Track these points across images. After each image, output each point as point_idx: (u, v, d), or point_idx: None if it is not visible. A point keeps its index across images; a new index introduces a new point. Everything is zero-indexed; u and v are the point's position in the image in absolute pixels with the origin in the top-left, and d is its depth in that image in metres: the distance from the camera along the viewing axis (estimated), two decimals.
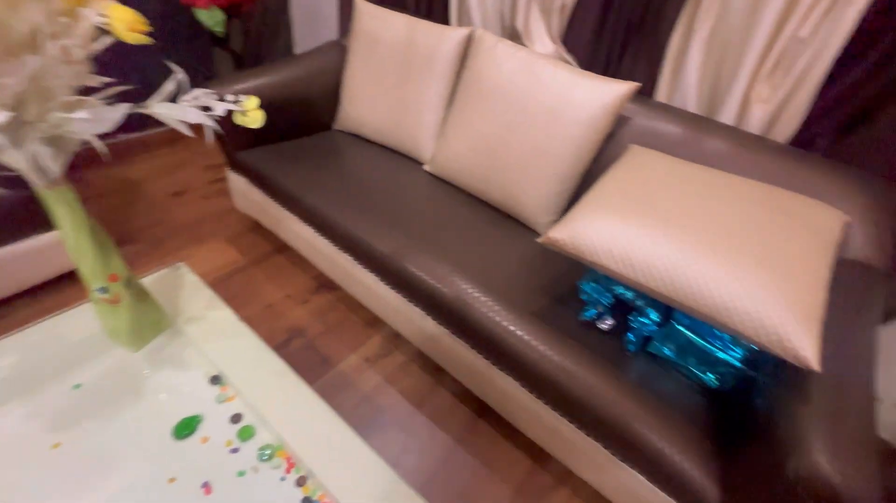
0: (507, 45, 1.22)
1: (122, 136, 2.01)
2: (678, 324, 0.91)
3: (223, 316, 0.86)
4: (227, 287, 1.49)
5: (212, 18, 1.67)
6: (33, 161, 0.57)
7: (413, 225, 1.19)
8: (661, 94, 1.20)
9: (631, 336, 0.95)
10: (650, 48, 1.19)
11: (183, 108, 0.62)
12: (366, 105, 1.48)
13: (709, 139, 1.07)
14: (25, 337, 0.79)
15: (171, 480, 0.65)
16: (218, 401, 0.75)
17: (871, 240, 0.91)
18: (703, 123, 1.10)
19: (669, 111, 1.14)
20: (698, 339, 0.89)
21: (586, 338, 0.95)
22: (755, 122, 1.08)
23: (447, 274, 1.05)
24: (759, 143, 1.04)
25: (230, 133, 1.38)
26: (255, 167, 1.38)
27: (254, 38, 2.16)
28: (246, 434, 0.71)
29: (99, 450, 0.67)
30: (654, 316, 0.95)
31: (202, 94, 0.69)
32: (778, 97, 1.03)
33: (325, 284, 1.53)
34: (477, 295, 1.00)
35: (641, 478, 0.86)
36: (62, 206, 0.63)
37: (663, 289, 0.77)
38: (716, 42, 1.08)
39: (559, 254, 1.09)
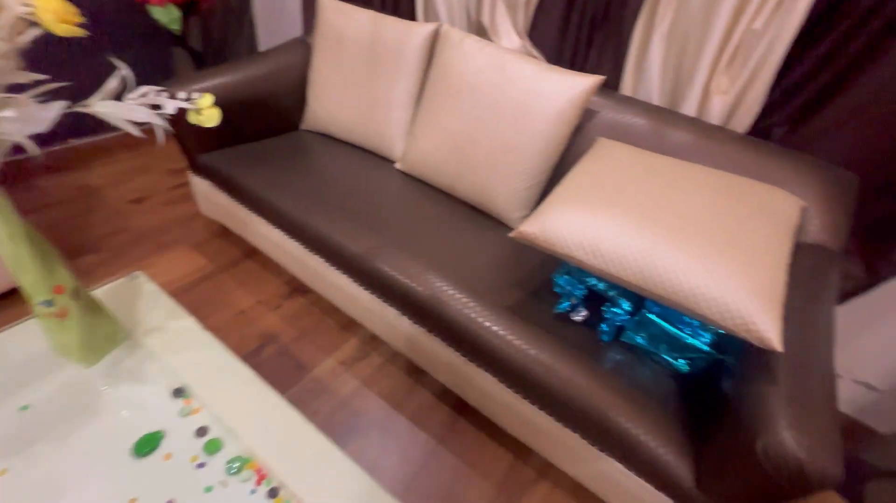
0: (473, 41, 1.21)
1: (76, 141, 1.91)
2: (649, 313, 0.92)
3: (185, 325, 0.82)
4: (194, 295, 1.43)
5: (167, 16, 1.60)
6: None
7: (385, 224, 1.17)
8: (626, 87, 1.22)
9: (604, 326, 0.96)
10: (614, 42, 1.21)
11: (129, 106, 0.59)
12: (333, 103, 1.45)
13: (672, 130, 1.09)
14: None
15: (132, 501, 0.62)
16: (182, 414, 0.72)
17: (826, 223, 0.95)
18: (666, 115, 1.12)
19: (634, 104, 1.16)
20: (669, 327, 0.91)
21: (561, 330, 0.96)
22: (715, 113, 1.11)
23: (421, 272, 1.04)
24: (720, 133, 1.07)
25: (191, 134, 1.32)
26: (218, 169, 1.33)
27: (215, 36, 2.09)
28: (213, 447, 0.68)
29: (50, 474, 0.63)
30: (627, 305, 0.96)
31: (151, 92, 0.65)
32: (736, 88, 1.06)
33: (297, 288, 1.49)
34: (451, 292, 1.00)
35: (619, 465, 0.88)
36: None
37: (633, 279, 0.78)
38: (676, 35, 1.11)
39: (533, 248, 1.09)
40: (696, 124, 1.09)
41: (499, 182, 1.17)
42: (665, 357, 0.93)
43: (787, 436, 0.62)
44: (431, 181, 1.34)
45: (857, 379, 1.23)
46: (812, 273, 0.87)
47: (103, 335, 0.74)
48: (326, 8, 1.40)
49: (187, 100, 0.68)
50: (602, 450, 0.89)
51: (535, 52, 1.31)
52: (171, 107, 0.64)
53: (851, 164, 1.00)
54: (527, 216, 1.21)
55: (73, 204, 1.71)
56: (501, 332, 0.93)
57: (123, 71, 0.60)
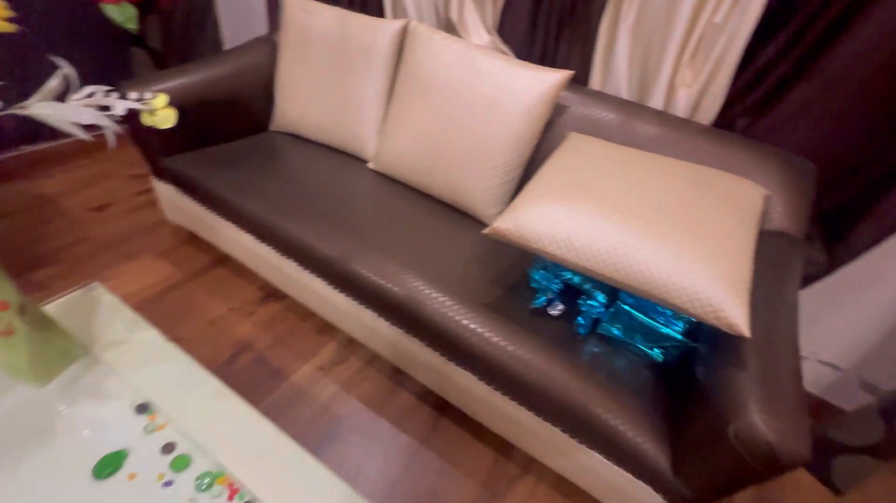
0: (442, 37, 1.20)
1: (28, 148, 1.80)
2: (624, 304, 0.94)
3: (148, 337, 0.78)
4: (163, 305, 1.37)
5: (122, 14, 1.53)
6: None
7: (359, 225, 1.15)
8: (595, 81, 1.24)
9: (581, 319, 0.97)
10: (582, 37, 1.22)
11: (72, 107, 0.55)
12: (302, 103, 1.41)
13: (640, 124, 1.11)
14: None
15: None
16: (146, 431, 0.68)
17: (788, 210, 0.98)
18: (634, 109, 1.14)
19: (603, 98, 1.18)
20: (643, 317, 0.92)
21: (539, 325, 0.96)
22: (681, 106, 1.13)
23: (397, 272, 1.02)
24: (686, 125, 1.09)
25: (151, 137, 1.27)
26: (182, 173, 1.28)
27: (177, 35, 2.01)
28: (180, 464, 0.65)
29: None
30: (602, 298, 0.97)
31: (98, 92, 0.61)
32: (699, 81, 1.09)
33: (271, 294, 1.45)
34: (428, 291, 0.98)
35: (600, 457, 0.88)
36: None
37: (606, 271, 0.79)
38: (641, 30, 1.12)
39: (508, 244, 1.09)
40: (663, 117, 1.12)
41: (473, 179, 1.17)
42: (640, 347, 0.94)
43: (757, 419, 0.63)
44: (405, 180, 1.32)
45: (822, 359, 1.28)
46: (776, 259, 0.90)
47: (56, 352, 0.70)
48: (291, 6, 1.36)
49: (139, 100, 0.64)
50: (583, 443, 0.89)
51: (504, 47, 1.31)
52: (120, 108, 0.60)
53: (810, 153, 1.04)
54: (502, 212, 1.20)
55: (28, 214, 1.62)
56: (479, 330, 0.93)
57: (66, 69, 0.56)
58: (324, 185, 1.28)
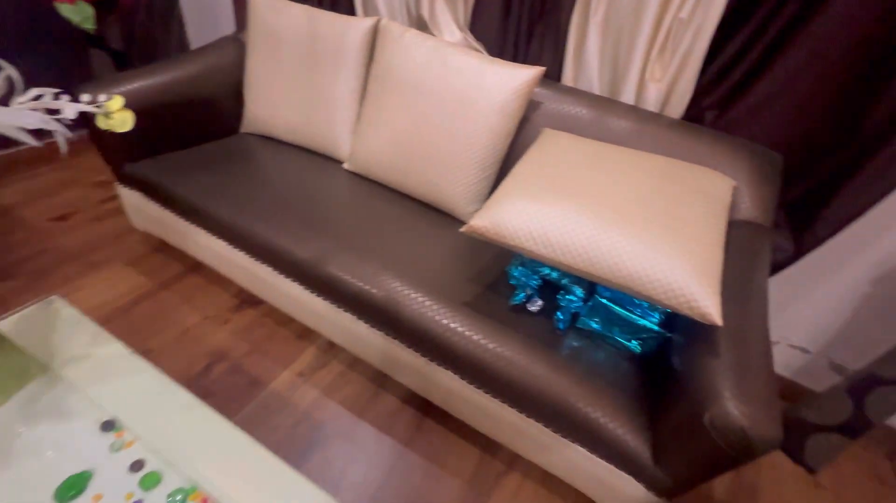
0: (414, 35, 1.19)
1: None
2: (601, 298, 0.94)
3: (112, 351, 0.75)
4: (133, 316, 1.32)
5: (79, 14, 1.46)
6: None
7: (335, 226, 1.13)
8: (568, 77, 1.24)
9: (560, 314, 0.97)
10: (553, 34, 1.22)
11: (16, 111, 0.52)
12: (272, 104, 1.38)
13: (613, 119, 1.12)
14: None
15: None
16: (113, 449, 0.65)
17: (756, 200, 1.01)
18: (606, 104, 1.15)
19: (576, 94, 1.18)
20: (620, 310, 0.93)
21: (519, 322, 0.96)
22: (651, 101, 1.15)
23: (375, 273, 1.01)
24: (657, 119, 1.11)
25: (112, 142, 1.22)
26: (148, 179, 1.24)
27: (140, 35, 1.93)
28: (150, 482, 0.62)
29: None
30: (580, 292, 0.98)
31: (47, 95, 0.58)
32: (668, 76, 1.10)
33: (247, 300, 1.41)
34: (407, 292, 0.97)
35: (583, 450, 0.89)
36: None
37: (582, 265, 0.79)
38: (610, 26, 1.13)
39: (486, 242, 1.09)
40: (635, 112, 1.13)
41: (449, 177, 1.16)
42: (619, 339, 0.95)
43: (731, 406, 0.65)
44: (381, 180, 1.30)
45: (792, 343, 1.32)
46: (745, 249, 0.92)
47: (10, 371, 0.66)
48: (257, 4, 1.33)
49: (92, 103, 0.61)
50: (565, 437, 0.90)
51: (476, 45, 1.31)
52: (71, 111, 0.57)
53: (775, 144, 1.07)
54: (479, 210, 1.20)
55: None
56: (460, 329, 0.92)
57: (8, 70, 0.53)
58: (298, 186, 1.25)
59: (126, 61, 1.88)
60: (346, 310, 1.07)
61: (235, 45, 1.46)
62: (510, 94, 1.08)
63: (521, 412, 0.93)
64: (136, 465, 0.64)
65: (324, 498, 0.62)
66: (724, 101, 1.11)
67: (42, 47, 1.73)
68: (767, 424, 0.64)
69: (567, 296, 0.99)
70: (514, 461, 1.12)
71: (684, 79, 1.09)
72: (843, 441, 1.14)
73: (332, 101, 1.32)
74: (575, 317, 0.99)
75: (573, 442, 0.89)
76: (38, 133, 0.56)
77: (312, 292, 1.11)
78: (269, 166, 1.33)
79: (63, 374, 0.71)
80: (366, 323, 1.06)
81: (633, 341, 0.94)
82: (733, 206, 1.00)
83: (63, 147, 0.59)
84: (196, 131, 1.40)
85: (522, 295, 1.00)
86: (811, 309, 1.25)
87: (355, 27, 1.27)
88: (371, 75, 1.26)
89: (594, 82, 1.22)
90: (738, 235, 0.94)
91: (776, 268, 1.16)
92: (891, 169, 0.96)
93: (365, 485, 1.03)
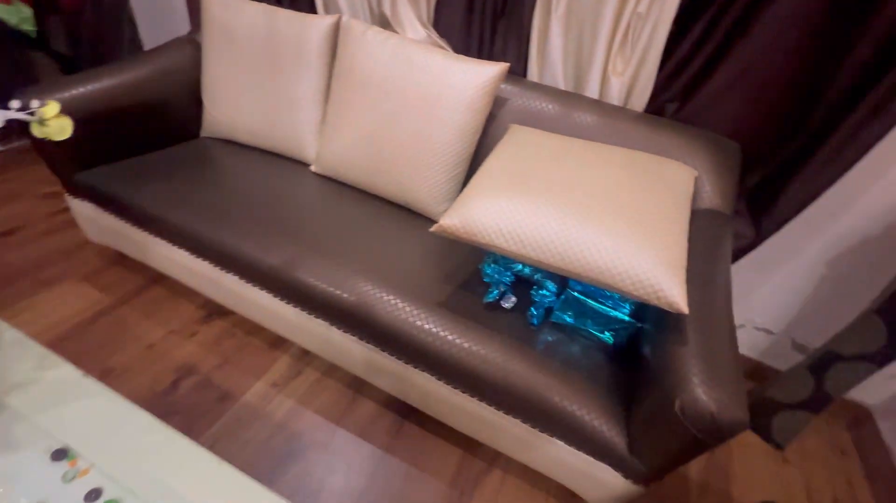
0: (376, 32, 1.16)
1: None
2: (573, 291, 0.95)
3: (62, 374, 0.70)
4: (91, 334, 1.25)
5: (16, 15, 1.37)
6: None
7: (303, 231, 1.10)
8: (533, 73, 1.25)
9: (533, 310, 0.98)
10: (517, 30, 1.22)
11: None
12: (232, 106, 1.33)
13: (578, 113, 1.13)
14: None
15: None
16: (66, 479, 0.61)
17: (717, 189, 1.04)
18: (571, 99, 1.16)
19: (541, 89, 1.19)
20: (592, 302, 0.94)
21: (493, 319, 0.96)
22: (615, 94, 1.17)
23: (346, 278, 0.98)
24: (620, 113, 1.12)
25: (59, 150, 1.14)
26: (100, 189, 1.17)
27: (87, 37, 1.83)
28: None
29: None
30: (552, 287, 0.99)
31: None
32: (630, 70, 1.12)
33: (214, 311, 1.36)
34: (380, 295, 0.96)
35: (561, 443, 0.89)
36: None
37: (552, 260, 0.79)
38: (572, 20, 1.14)
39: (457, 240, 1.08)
40: (599, 106, 1.14)
41: (418, 176, 1.15)
42: (592, 331, 0.96)
43: (699, 392, 0.66)
44: (350, 181, 1.28)
45: (756, 326, 1.37)
46: (708, 237, 0.95)
47: None
48: (210, 3, 1.27)
49: (23, 109, 0.57)
50: (543, 431, 0.90)
51: (441, 42, 1.29)
52: None
53: (733, 133, 1.10)
54: (449, 209, 1.19)
55: None
56: (435, 330, 0.91)
57: None
58: (262, 191, 1.21)
59: (74, 65, 1.78)
60: (318, 317, 1.05)
61: (191, 46, 1.40)
62: (476, 91, 1.07)
63: (499, 409, 0.93)
64: (93, 494, 0.60)
65: None
66: (683, 93, 1.14)
67: None
68: (734, 407, 0.65)
69: (540, 292, 0.99)
70: (494, 458, 1.12)
71: (645, 72, 1.11)
72: (807, 416, 1.20)
73: (295, 101, 1.28)
74: (548, 311, 1.00)
75: (551, 435, 0.90)
76: None
77: (283, 300, 1.07)
78: (232, 171, 1.28)
79: (7, 402, 0.66)
80: (339, 328, 1.04)
81: (606, 333, 0.96)
82: (695, 196, 1.03)
83: None
84: (153, 136, 1.34)
85: (496, 292, 0.99)
86: (773, 292, 1.30)
87: (316, 25, 1.23)
88: (334, 74, 1.23)
89: (559, 77, 1.22)
90: (700, 224, 0.97)
91: (738, 254, 1.20)
92: (840, 154, 1.01)
93: (346, 493, 1.01)
